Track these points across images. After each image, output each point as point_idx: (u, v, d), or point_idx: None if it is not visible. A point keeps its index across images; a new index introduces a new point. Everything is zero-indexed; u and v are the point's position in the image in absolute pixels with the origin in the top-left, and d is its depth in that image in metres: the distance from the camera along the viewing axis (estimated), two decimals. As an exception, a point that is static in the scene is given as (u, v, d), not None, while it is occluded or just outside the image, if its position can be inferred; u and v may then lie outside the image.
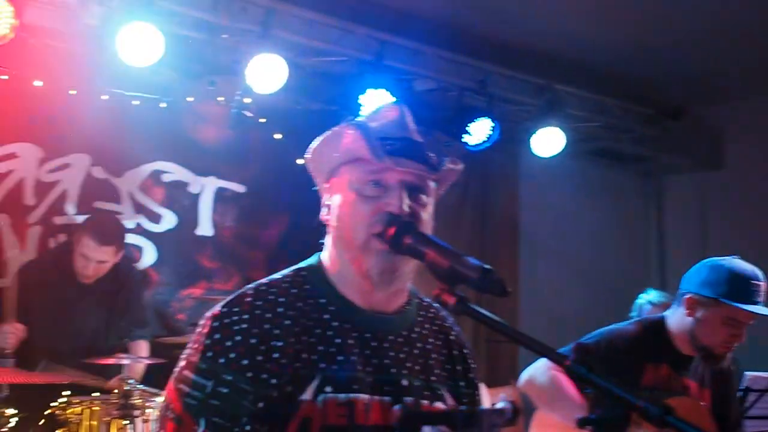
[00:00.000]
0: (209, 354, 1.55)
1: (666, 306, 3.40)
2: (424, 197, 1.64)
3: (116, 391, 3.70)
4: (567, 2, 4.98)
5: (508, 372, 5.82)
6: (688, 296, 2.95)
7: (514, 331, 1.42)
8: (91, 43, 4.45)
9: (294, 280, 1.67)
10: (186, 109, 5.26)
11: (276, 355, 1.54)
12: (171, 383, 1.60)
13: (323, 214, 1.71)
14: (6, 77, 4.60)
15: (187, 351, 1.60)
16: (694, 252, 4.32)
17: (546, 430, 3.14)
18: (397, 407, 1.48)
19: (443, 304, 1.44)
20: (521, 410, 1.45)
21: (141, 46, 4.20)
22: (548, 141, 5.81)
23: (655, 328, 3.04)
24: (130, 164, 5.17)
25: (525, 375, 3.09)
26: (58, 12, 4.35)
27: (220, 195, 5.50)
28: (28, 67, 4.60)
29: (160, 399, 3.61)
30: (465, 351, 1.80)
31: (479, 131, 5.57)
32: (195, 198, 5.42)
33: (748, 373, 3.67)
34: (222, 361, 1.53)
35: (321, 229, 1.72)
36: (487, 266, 1.41)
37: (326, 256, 1.70)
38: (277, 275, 1.69)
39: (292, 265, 1.73)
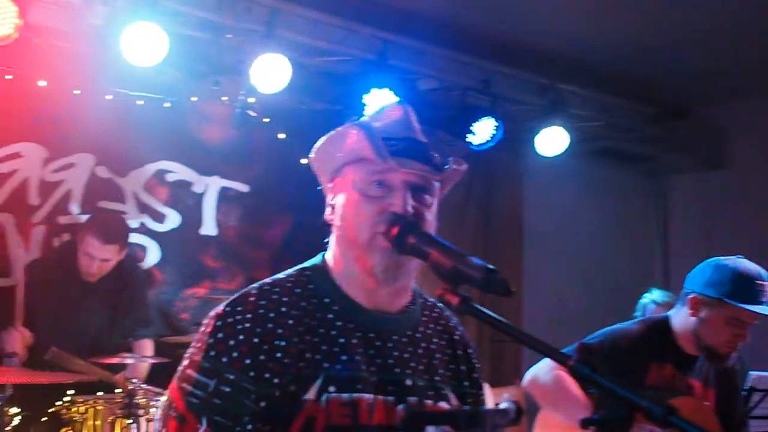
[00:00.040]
0: (212, 353, 1.55)
1: (670, 305, 3.40)
2: (427, 197, 1.64)
3: (120, 390, 3.71)
4: (571, 2, 4.97)
5: (512, 372, 5.82)
6: (691, 296, 2.95)
7: (517, 330, 1.42)
8: (95, 42, 4.45)
9: (298, 280, 1.67)
10: (190, 108, 5.27)
11: (279, 355, 1.54)
12: (174, 382, 1.60)
13: (327, 213, 1.71)
14: (10, 77, 4.61)
15: (190, 350, 1.61)
16: (697, 251, 4.31)
17: (550, 431, 3.14)
18: (400, 407, 1.49)
19: (447, 304, 1.44)
20: (525, 410, 1.45)
21: (145, 45, 4.20)
22: (552, 140, 5.80)
23: (660, 327, 3.04)
24: (134, 164, 5.17)
25: (529, 375, 3.09)
26: (63, 12, 4.35)
27: (224, 195, 5.50)
28: (32, 67, 4.61)
29: (164, 398, 3.62)
30: (469, 351, 1.80)
31: (483, 131, 5.57)
32: (199, 197, 5.43)
33: (753, 373, 3.67)
34: (224, 360, 1.54)
35: (325, 229, 1.72)
36: (490, 266, 1.41)
37: (330, 255, 1.70)
38: (281, 275, 1.69)
39: (296, 264, 1.73)
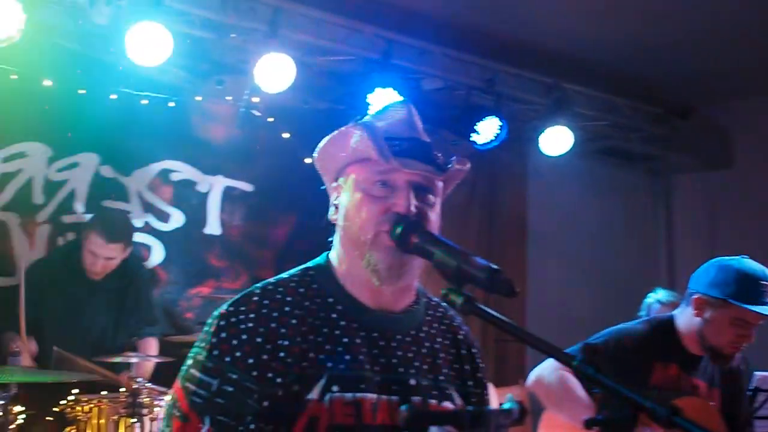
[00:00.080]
0: (215, 352, 1.55)
1: (675, 305, 3.39)
2: (431, 197, 1.64)
3: (124, 389, 3.71)
4: (574, 1, 4.97)
5: (516, 372, 5.81)
6: (696, 296, 2.94)
7: (522, 330, 1.42)
8: (100, 42, 4.46)
9: (302, 280, 1.67)
10: (194, 108, 5.27)
11: (282, 354, 1.54)
12: (178, 381, 1.60)
13: (331, 213, 1.71)
14: (15, 77, 4.62)
15: (194, 349, 1.61)
16: (702, 251, 4.31)
17: (554, 431, 3.14)
18: (403, 407, 1.48)
19: (451, 304, 1.44)
20: (529, 410, 1.45)
21: (149, 45, 4.20)
22: (556, 140, 5.80)
23: (664, 327, 3.03)
24: (138, 163, 5.18)
25: (533, 375, 3.08)
26: (67, 11, 4.36)
27: (228, 194, 5.51)
28: (37, 67, 4.62)
29: (168, 397, 3.62)
30: (473, 350, 1.80)
31: (487, 130, 5.56)
32: (203, 197, 5.43)
33: (758, 373, 3.66)
34: (228, 359, 1.54)
35: (329, 229, 1.72)
36: (494, 266, 1.41)
37: (334, 255, 1.70)
38: (284, 274, 1.69)
39: (299, 264, 1.73)
